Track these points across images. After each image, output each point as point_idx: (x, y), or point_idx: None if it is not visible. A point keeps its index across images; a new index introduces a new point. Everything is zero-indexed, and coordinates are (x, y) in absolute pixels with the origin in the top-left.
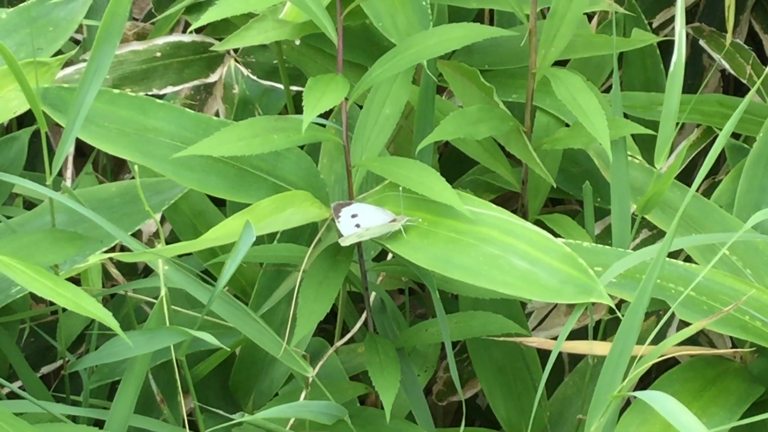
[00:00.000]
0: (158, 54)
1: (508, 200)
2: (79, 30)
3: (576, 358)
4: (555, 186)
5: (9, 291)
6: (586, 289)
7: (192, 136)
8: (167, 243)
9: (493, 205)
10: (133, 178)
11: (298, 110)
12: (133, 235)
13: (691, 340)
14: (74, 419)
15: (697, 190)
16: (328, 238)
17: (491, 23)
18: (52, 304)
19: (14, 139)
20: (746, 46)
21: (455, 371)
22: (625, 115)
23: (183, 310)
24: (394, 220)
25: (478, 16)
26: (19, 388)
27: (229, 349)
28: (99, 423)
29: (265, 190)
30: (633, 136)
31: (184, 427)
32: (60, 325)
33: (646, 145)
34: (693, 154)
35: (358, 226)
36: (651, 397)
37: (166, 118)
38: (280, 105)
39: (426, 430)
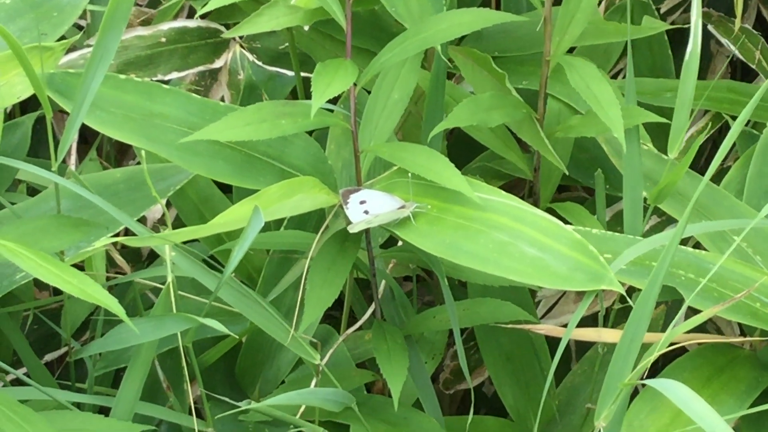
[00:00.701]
0: (163, 39)
1: (515, 186)
2: (83, 15)
3: (583, 348)
4: (566, 173)
5: (13, 277)
6: (597, 276)
7: (199, 121)
8: (173, 229)
9: (503, 192)
10: (138, 164)
11: (308, 96)
12: (139, 221)
13: (700, 328)
14: (79, 406)
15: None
16: (335, 225)
17: (498, 9)
18: (56, 292)
19: (18, 125)
20: (755, 32)
21: (463, 358)
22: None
23: (190, 295)
24: (402, 207)
25: (485, 3)
26: (24, 374)
27: (236, 336)
28: (104, 410)
29: (272, 176)
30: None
31: (190, 414)
32: (65, 311)
33: (656, 131)
34: (702, 140)
35: (366, 212)
36: (662, 385)
37: (173, 104)
38: (286, 90)
39: (434, 417)
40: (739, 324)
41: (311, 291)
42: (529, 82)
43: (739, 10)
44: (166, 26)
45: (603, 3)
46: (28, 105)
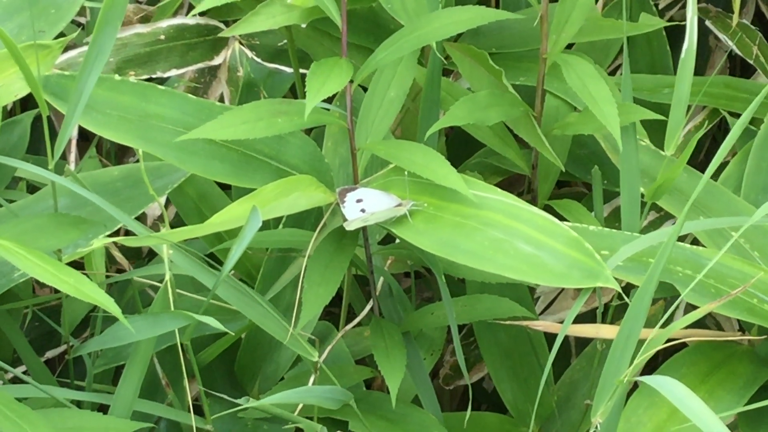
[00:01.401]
0: (162, 37)
1: (514, 183)
2: (81, 12)
3: (583, 344)
4: (564, 170)
5: (12, 275)
6: (593, 273)
7: (195, 121)
8: (172, 227)
9: (499, 189)
10: (137, 161)
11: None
12: (137, 219)
13: (699, 324)
14: (78, 404)
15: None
16: (332, 223)
17: (497, 6)
18: (55, 289)
19: (16, 123)
20: (753, 27)
21: (461, 354)
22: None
23: (188, 293)
24: (399, 205)
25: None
26: (23, 373)
27: (233, 334)
28: (103, 408)
29: (269, 174)
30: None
31: (189, 411)
32: (64, 309)
33: (653, 128)
34: (699, 136)
35: (363, 211)
36: (658, 382)
37: (168, 104)
38: (285, 87)
39: (432, 414)
40: (738, 320)
41: (309, 289)
42: (526, 79)
43: (736, 6)
44: (165, 23)
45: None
46: (28, 102)
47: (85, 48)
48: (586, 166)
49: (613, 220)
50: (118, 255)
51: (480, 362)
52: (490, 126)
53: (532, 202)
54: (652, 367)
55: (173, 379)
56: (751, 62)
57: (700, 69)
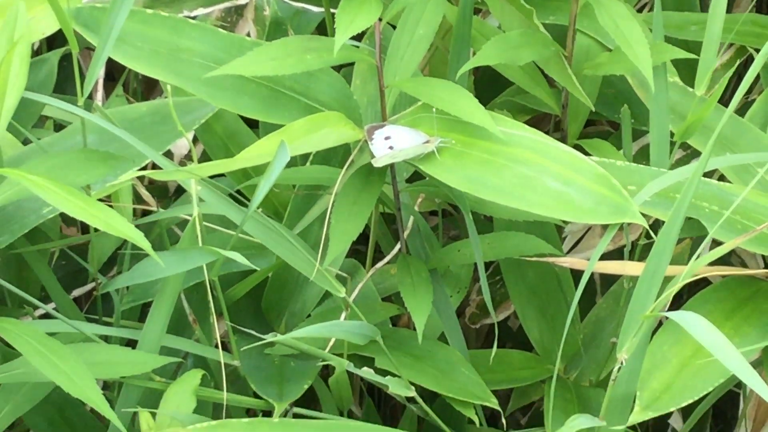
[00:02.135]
0: None
1: (541, 121)
2: None
3: (608, 283)
4: (593, 110)
5: (41, 211)
6: (620, 209)
7: (225, 56)
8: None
9: (527, 126)
10: (164, 99)
11: (335, 32)
12: (165, 155)
13: (724, 261)
14: (106, 339)
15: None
16: (360, 159)
17: None
18: (83, 228)
19: (44, 61)
20: None
21: (487, 291)
22: None
23: (216, 227)
24: (427, 142)
25: None
26: (53, 309)
27: (259, 270)
28: (131, 343)
29: (298, 111)
30: None
31: (216, 347)
32: (92, 246)
33: (681, 63)
34: (729, 75)
35: (391, 148)
36: (683, 317)
37: (199, 38)
38: (312, 26)
39: (458, 351)
40: (763, 257)
41: (336, 224)
42: (556, 18)
43: None
44: None
45: None
46: (54, 42)
47: None
48: (613, 105)
49: (641, 159)
50: (144, 193)
51: (506, 301)
52: (521, 66)
53: (562, 141)
54: (677, 305)
55: (200, 316)
56: None
57: (726, 7)
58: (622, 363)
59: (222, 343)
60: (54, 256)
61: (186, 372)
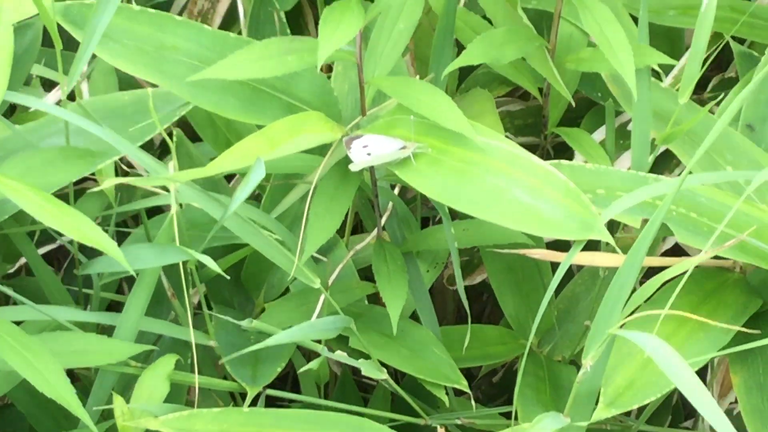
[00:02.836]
0: None
1: (521, 93)
2: None
3: None
4: (573, 103)
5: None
6: (587, 225)
7: (209, 53)
8: (187, 138)
9: (501, 136)
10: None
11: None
12: (147, 143)
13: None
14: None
15: (704, 103)
16: (338, 153)
17: None
18: None
19: (28, 27)
20: None
21: (461, 285)
22: (635, 19)
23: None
24: (404, 147)
25: None
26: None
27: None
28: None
29: (279, 109)
30: None
31: (189, 327)
32: None
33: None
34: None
35: (369, 154)
36: (635, 337)
37: (185, 35)
38: None
39: (431, 330)
40: None
41: (314, 220)
42: (538, 2)
43: None
44: None
45: None
46: None
47: None
48: (594, 83)
49: (620, 136)
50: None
51: (482, 265)
52: None
53: (544, 126)
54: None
55: (179, 288)
56: None
57: None
58: (587, 368)
59: (201, 318)
60: (35, 235)
61: (163, 350)
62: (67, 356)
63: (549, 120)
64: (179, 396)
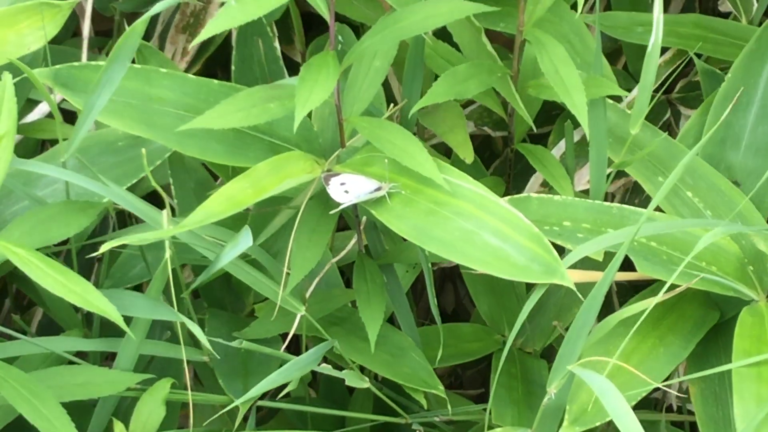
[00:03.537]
0: None
1: None
2: None
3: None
4: (535, 129)
5: None
6: (550, 269)
7: (194, 102)
8: None
9: (470, 178)
10: None
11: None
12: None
13: None
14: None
15: (665, 122)
16: (318, 186)
17: None
18: None
19: None
20: None
21: (434, 299)
22: (605, 36)
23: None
24: (379, 188)
25: None
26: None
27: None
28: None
29: (262, 150)
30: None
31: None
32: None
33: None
34: (666, 73)
35: (347, 192)
36: (586, 376)
37: (169, 87)
38: None
39: (409, 334)
40: None
41: (298, 251)
42: (506, 25)
43: None
44: None
45: None
46: None
47: None
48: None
49: (580, 148)
50: None
51: None
52: None
53: (510, 141)
54: (609, 310)
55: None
56: None
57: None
58: (551, 396)
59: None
60: None
61: (160, 364)
62: (71, 389)
63: (515, 136)
64: (174, 411)
